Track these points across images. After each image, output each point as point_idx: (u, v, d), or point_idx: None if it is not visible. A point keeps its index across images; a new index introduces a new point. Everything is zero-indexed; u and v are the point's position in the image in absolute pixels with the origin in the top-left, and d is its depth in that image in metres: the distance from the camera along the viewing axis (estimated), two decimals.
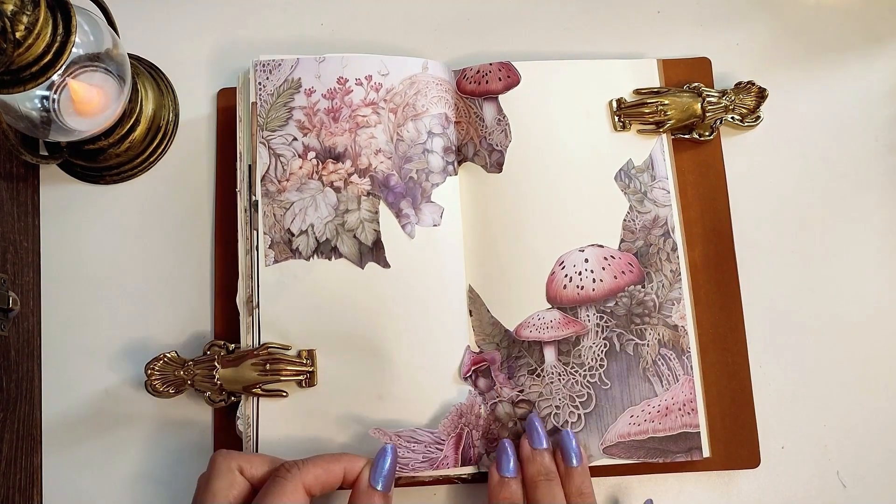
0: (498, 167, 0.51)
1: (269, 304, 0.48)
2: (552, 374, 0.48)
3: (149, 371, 0.48)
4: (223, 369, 0.48)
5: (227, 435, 0.50)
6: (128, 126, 0.52)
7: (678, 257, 0.50)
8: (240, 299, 0.49)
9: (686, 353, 0.48)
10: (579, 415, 0.48)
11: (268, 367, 0.47)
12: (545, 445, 0.46)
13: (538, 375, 0.48)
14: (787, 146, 0.53)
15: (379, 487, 0.43)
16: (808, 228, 0.52)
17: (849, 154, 0.53)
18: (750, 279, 0.51)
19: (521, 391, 0.48)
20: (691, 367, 0.48)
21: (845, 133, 0.53)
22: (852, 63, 0.54)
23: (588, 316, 0.49)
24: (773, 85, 0.53)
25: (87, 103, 0.49)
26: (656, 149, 0.51)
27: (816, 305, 0.51)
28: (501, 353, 0.49)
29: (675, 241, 0.50)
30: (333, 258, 0.49)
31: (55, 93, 0.49)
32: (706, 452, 0.47)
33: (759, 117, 0.52)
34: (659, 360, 0.48)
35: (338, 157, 0.50)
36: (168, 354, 0.49)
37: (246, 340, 0.49)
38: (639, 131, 0.51)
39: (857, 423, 0.50)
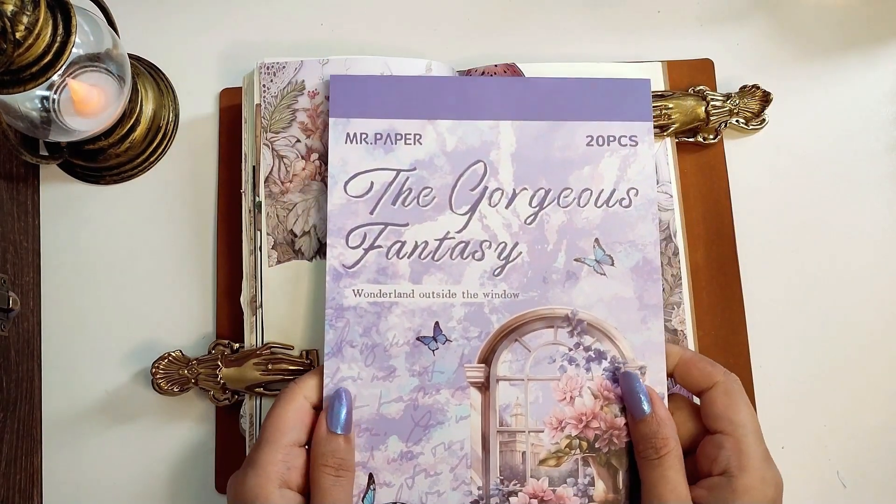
0: None
1: (272, 305, 0.48)
2: None
3: (154, 369, 0.48)
4: (226, 368, 0.48)
5: (231, 433, 0.50)
6: (128, 126, 0.51)
7: (679, 262, 0.50)
8: (244, 299, 0.50)
9: None
10: None
11: (270, 366, 0.47)
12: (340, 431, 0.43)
13: None
14: (788, 147, 0.53)
15: (339, 431, 0.43)
16: (810, 230, 0.52)
17: (850, 155, 0.53)
18: (752, 281, 0.51)
19: None
20: None
21: (846, 133, 0.54)
22: (853, 63, 0.55)
23: None
24: (773, 85, 0.53)
25: (87, 103, 0.48)
26: (660, 153, 0.51)
27: (818, 307, 0.51)
28: None
29: (676, 245, 0.50)
30: None
31: (55, 93, 0.49)
32: None
33: (763, 121, 0.52)
34: None
35: None
36: (173, 353, 0.49)
37: (249, 340, 0.49)
38: None
39: (857, 423, 0.50)
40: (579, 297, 0.46)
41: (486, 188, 0.47)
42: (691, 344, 0.49)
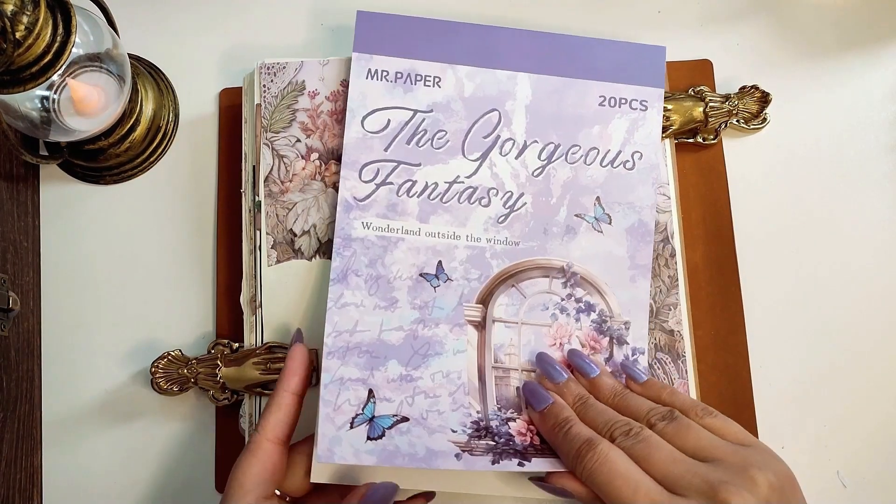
0: None
1: (271, 304, 0.48)
2: None
3: (153, 369, 0.48)
4: (226, 368, 0.48)
5: (230, 433, 0.50)
6: (128, 126, 0.52)
7: (676, 263, 0.50)
8: (243, 299, 0.50)
9: (681, 357, 0.48)
10: None
11: (269, 366, 0.47)
12: (565, 376, 0.44)
13: None
14: (788, 147, 0.53)
15: None
16: (810, 230, 0.52)
17: (850, 155, 0.53)
18: (751, 281, 0.51)
19: None
20: (686, 370, 0.48)
21: (846, 133, 0.53)
22: (853, 63, 0.54)
23: None
24: (772, 85, 0.53)
25: (87, 103, 0.48)
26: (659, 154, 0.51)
27: (818, 306, 0.51)
28: None
29: (673, 247, 0.50)
30: None
31: (55, 93, 0.49)
32: None
33: (763, 121, 0.52)
34: (654, 363, 0.48)
35: (340, 159, 0.50)
36: (172, 353, 0.49)
37: (249, 340, 0.49)
38: None
39: (857, 423, 0.50)
40: (576, 250, 0.47)
41: (498, 137, 0.48)
42: (688, 345, 0.48)
